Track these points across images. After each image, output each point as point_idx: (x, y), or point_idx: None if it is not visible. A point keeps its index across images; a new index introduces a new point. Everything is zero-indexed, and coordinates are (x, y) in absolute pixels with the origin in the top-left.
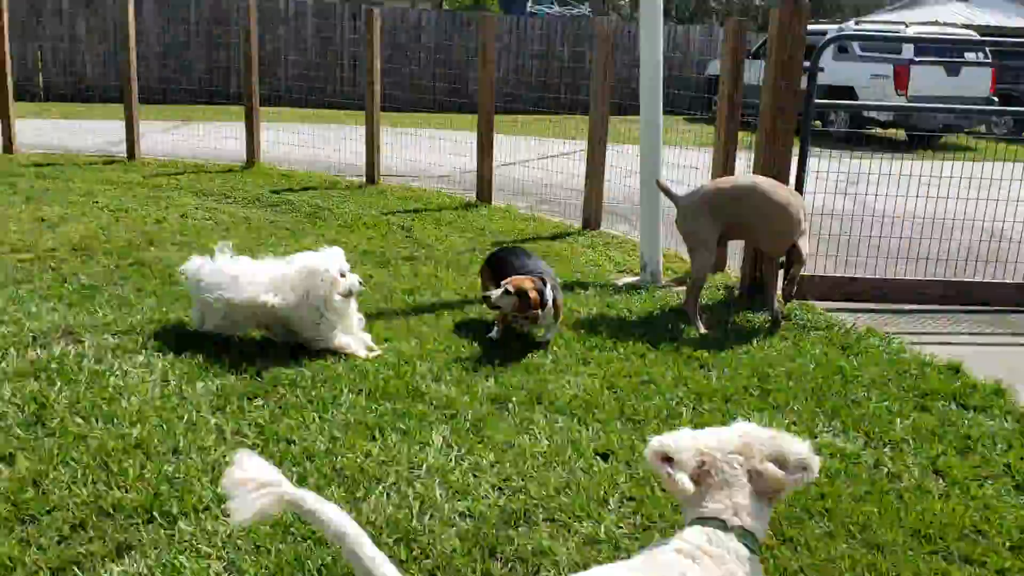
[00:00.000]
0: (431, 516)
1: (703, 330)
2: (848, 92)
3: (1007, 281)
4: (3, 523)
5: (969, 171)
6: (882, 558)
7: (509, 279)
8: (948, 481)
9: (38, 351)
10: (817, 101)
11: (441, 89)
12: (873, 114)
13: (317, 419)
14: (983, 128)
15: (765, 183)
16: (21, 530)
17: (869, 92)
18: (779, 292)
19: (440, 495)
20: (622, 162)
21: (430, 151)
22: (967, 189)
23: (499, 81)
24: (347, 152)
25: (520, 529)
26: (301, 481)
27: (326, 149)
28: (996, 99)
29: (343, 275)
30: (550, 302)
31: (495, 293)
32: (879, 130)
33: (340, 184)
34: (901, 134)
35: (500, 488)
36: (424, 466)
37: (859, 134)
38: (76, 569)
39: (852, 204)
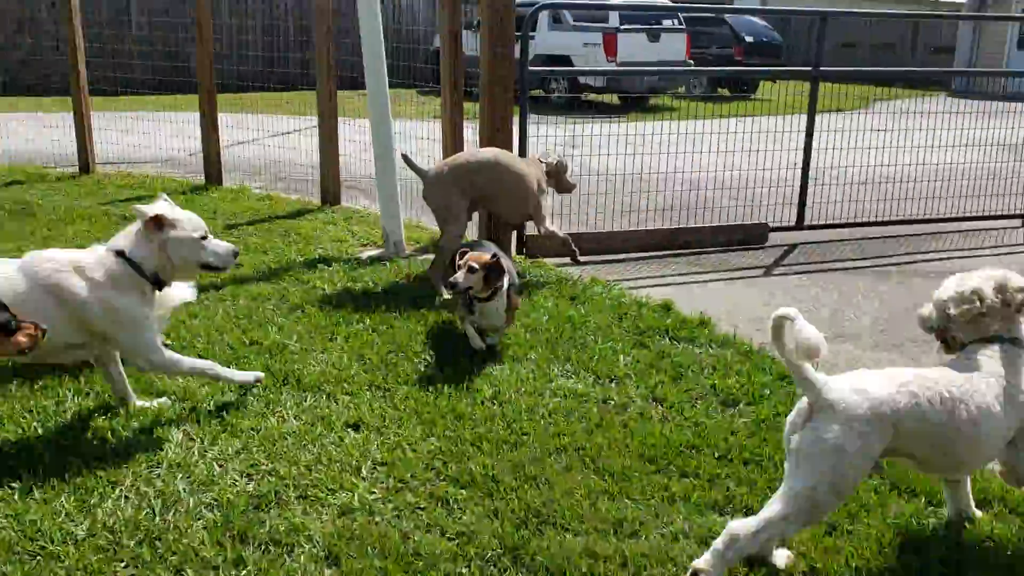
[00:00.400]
0: (175, 512)
1: (447, 295)
2: (565, 60)
3: (704, 225)
4: None
5: (672, 128)
6: (613, 482)
7: (467, 256)
8: (666, 406)
9: None
10: (534, 68)
11: (160, 68)
12: (588, 80)
13: (39, 429)
14: (683, 89)
15: (504, 156)
16: None
17: (583, 59)
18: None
19: (183, 489)
20: (359, 137)
21: (151, 134)
22: (672, 145)
23: (221, 57)
24: (56, 140)
25: (272, 511)
26: (24, 494)
27: (32, 138)
28: (692, 62)
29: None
30: (504, 284)
31: (459, 275)
32: (594, 95)
33: (50, 176)
34: (614, 98)
35: (248, 474)
36: (164, 463)
37: (578, 100)
38: None
39: (575, 166)
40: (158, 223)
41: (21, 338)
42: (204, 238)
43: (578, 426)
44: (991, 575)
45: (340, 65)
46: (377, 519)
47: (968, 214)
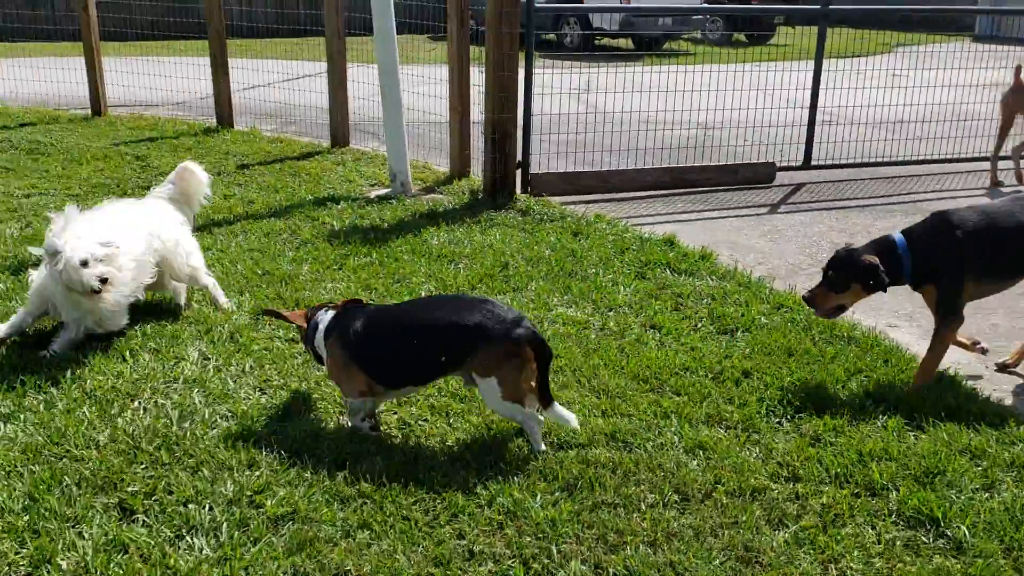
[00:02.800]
0: (191, 421)
1: None
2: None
3: (709, 164)
4: None
5: (685, 70)
6: (606, 399)
7: None
8: (663, 333)
9: None
10: (544, 5)
11: (170, 11)
12: (602, 26)
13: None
14: (698, 34)
15: None
16: None
17: (598, 1)
18: None
19: (199, 402)
20: (371, 80)
21: (163, 77)
22: (683, 85)
23: (230, 1)
24: (68, 85)
25: (285, 422)
26: (48, 406)
27: (44, 83)
28: (705, 3)
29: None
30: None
31: None
32: (608, 39)
33: (62, 118)
34: (629, 44)
35: (261, 389)
36: (180, 379)
37: (592, 48)
38: None
39: (582, 106)
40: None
41: None
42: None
43: (576, 350)
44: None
45: (352, 7)
46: (383, 428)
47: (975, 155)
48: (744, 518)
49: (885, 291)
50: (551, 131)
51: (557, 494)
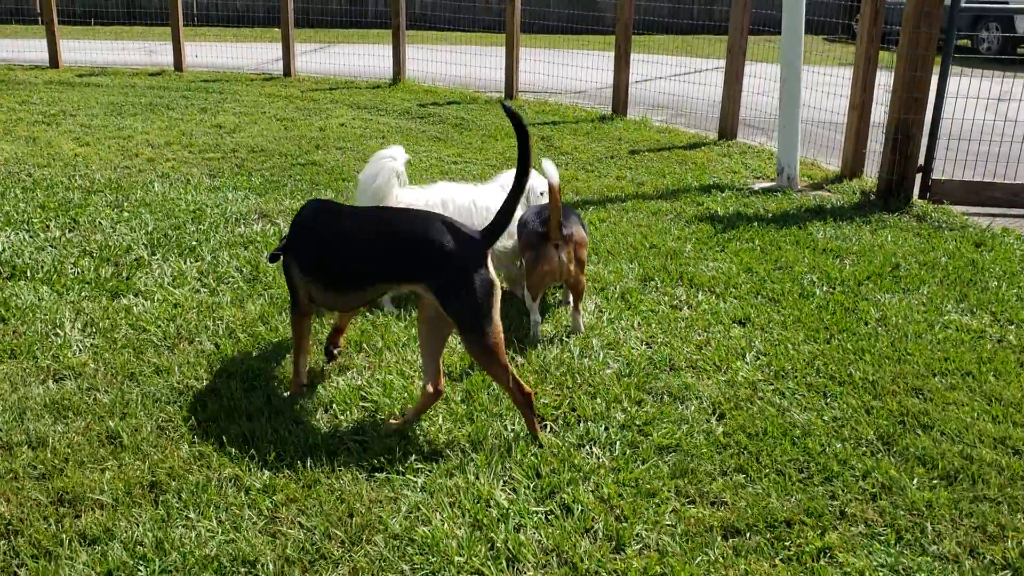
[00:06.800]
0: (589, 358)
1: None
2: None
3: None
4: (255, 345)
5: None
6: (998, 406)
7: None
8: None
9: (242, 227)
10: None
11: (576, 16)
12: None
13: None
14: None
15: None
16: (261, 351)
17: None
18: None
19: (596, 344)
20: (764, 77)
21: (567, 68)
22: None
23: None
24: (485, 71)
25: (666, 372)
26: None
27: (465, 68)
28: None
29: None
30: None
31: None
32: None
33: (480, 99)
34: None
35: (647, 343)
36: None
37: (1012, 54)
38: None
39: (990, 114)
40: None
41: None
42: None
43: (968, 356)
44: None
45: (757, 4)
46: (759, 394)
47: None
48: None
49: None
50: (956, 137)
51: (935, 480)
